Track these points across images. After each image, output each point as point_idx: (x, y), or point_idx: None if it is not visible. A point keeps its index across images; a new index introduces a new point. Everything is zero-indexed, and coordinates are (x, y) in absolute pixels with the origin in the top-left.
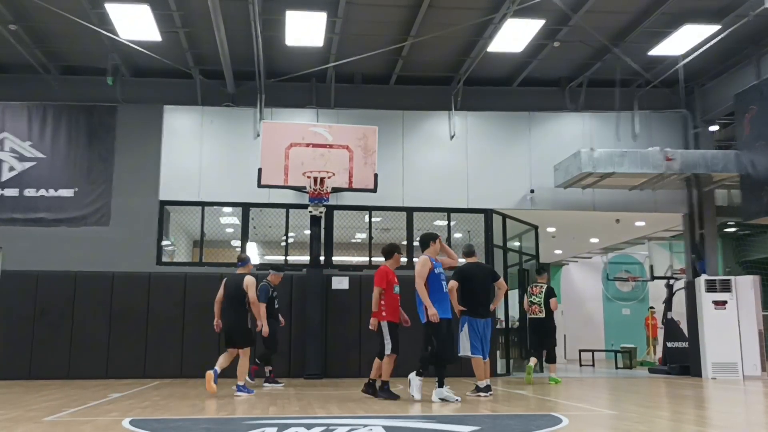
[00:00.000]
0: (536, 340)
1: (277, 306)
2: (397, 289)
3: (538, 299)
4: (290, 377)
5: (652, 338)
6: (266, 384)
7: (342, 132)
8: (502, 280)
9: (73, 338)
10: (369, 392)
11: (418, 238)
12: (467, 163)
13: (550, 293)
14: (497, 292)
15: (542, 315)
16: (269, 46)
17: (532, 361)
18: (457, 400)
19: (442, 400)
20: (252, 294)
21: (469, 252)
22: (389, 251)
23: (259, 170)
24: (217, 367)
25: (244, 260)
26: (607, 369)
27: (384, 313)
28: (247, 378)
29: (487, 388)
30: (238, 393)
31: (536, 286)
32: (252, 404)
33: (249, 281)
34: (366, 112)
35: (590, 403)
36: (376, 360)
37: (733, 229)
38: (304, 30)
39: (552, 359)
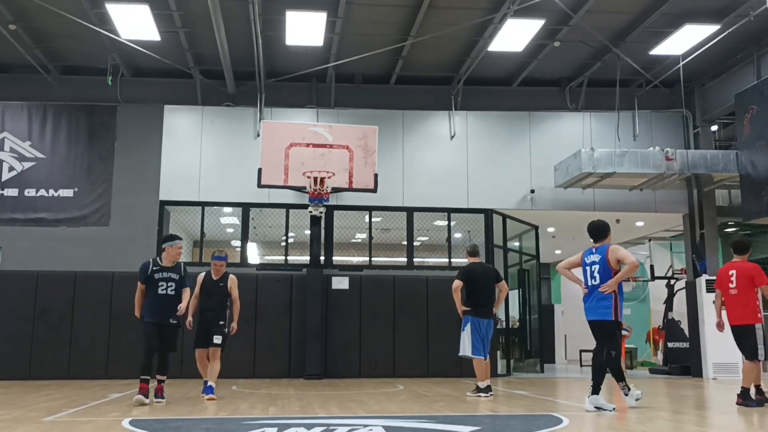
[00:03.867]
0: None
1: (164, 291)
2: None
3: None
4: (290, 377)
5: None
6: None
7: (342, 132)
8: (504, 282)
9: (73, 338)
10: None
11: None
12: (467, 163)
13: None
14: (499, 294)
15: None
16: (269, 46)
17: None
18: (612, 409)
19: (598, 408)
20: None
21: (474, 252)
22: (747, 246)
23: (259, 170)
24: None
25: None
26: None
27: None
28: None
29: (488, 389)
30: None
31: None
32: (252, 404)
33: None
34: (366, 112)
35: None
36: (745, 363)
37: (733, 229)
38: (304, 30)
39: None
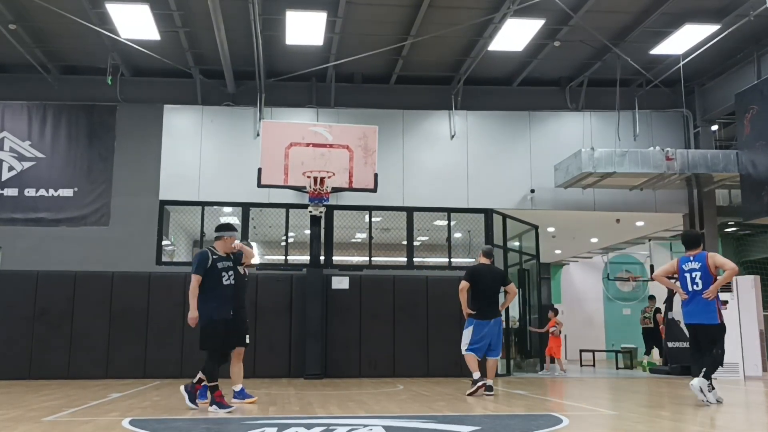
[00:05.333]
0: (647, 342)
1: (228, 281)
2: None
3: (648, 315)
4: (290, 377)
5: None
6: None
7: (342, 132)
8: (512, 285)
9: (73, 338)
10: None
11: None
12: (467, 163)
13: (657, 311)
14: (506, 296)
15: (651, 325)
16: (269, 46)
17: (645, 358)
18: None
19: (718, 401)
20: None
21: (487, 254)
22: None
23: (259, 170)
24: None
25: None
26: (607, 369)
27: None
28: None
29: (489, 388)
30: None
31: (647, 307)
32: (252, 404)
33: None
34: (366, 111)
35: (590, 403)
36: None
37: (733, 229)
38: (304, 29)
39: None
